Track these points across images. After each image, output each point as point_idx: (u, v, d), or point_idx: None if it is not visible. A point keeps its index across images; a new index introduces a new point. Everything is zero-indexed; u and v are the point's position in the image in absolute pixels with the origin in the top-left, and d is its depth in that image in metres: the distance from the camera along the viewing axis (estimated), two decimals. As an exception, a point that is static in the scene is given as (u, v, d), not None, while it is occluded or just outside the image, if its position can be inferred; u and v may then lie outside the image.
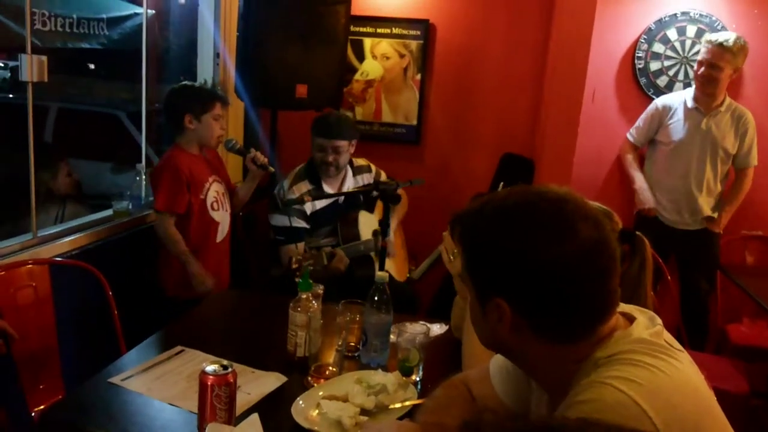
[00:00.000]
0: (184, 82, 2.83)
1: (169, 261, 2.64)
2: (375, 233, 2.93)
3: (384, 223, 2.61)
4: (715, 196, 3.26)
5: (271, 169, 2.77)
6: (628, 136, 3.45)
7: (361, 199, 3.06)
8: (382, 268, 2.71)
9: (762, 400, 3.20)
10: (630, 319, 1.00)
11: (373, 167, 3.18)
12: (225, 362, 1.33)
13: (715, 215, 3.25)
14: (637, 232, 1.15)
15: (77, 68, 5.51)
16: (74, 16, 3.17)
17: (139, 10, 3.27)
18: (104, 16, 3.51)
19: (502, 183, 3.15)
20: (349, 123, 3.05)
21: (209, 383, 1.29)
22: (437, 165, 3.80)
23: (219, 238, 2.76)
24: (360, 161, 3.13)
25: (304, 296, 1.70)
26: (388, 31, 3.70)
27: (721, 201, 3.27)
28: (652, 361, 0.90)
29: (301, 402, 1.46)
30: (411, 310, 2.94)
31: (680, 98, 3.28)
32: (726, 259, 3.35)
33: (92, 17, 3.38)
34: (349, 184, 3.04)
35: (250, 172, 2.85)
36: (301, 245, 2.82)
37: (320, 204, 2.91)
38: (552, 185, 1.00)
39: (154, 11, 3.49)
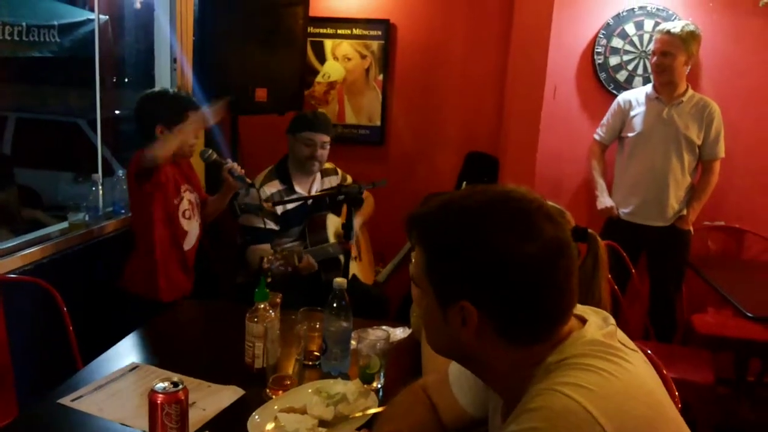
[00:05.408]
0: (156, 89, 2.71)
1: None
2: (338, 237, 2.92)
3: (347, 227, 2.58)
4: (685, 188, 3.22)
5: (249, 180, 2.68)
6: (595, 135, 3.43)
7: (327, 202, 3.05)
8: (346, 272, 2.69)
9: (728, 388, 3.24)
10: (582, 320, 0.98)
11: (339, 171, 3.18)
12: (176, 378, 1.29)
13: (684, 212, 3.22)
14: (589, 229, 1.14)
15: (35, 77, 5.38)
16: (23, 23, 3.07)
17: (92, 15, 3.18)
18: (56, 23, 3.41)
19: (464, 182, 3.14)
20: (329, 119, 3.09)
21: (159, 402, 1.24)
22: (402, 165, 3.78)
23: (186, 247, 2.68)
24: (327, 164, 3.12)
25: (261, 306, 1.66)
26: (349, 32, 3.66)
27: (690, 196, 3.24)
28: (604, 365, 0.88)
29: (257, 416, 1.42)
30: (379, 313, 2.92)
31: (642, 92, 3.29)
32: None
33: (43, 24, 3.28)
34: (318, 186, 3.03)
35: (226, 184, 2.74)
36: (267, 246, 2.79)
37: (290, 205, 2.89)
38: (510, 184, 0.98)
39: (107, 17, 3.41)
